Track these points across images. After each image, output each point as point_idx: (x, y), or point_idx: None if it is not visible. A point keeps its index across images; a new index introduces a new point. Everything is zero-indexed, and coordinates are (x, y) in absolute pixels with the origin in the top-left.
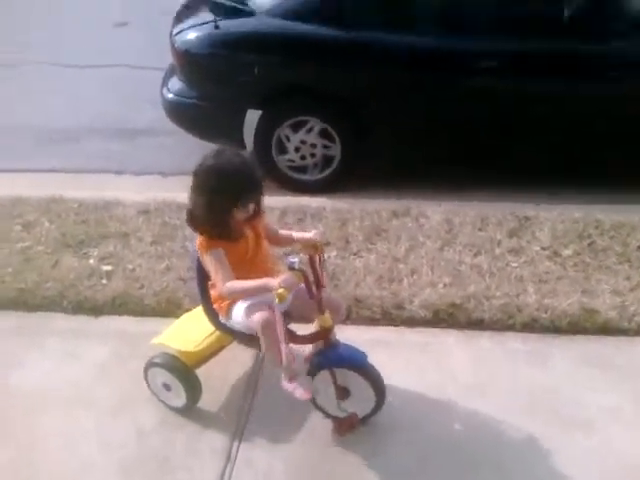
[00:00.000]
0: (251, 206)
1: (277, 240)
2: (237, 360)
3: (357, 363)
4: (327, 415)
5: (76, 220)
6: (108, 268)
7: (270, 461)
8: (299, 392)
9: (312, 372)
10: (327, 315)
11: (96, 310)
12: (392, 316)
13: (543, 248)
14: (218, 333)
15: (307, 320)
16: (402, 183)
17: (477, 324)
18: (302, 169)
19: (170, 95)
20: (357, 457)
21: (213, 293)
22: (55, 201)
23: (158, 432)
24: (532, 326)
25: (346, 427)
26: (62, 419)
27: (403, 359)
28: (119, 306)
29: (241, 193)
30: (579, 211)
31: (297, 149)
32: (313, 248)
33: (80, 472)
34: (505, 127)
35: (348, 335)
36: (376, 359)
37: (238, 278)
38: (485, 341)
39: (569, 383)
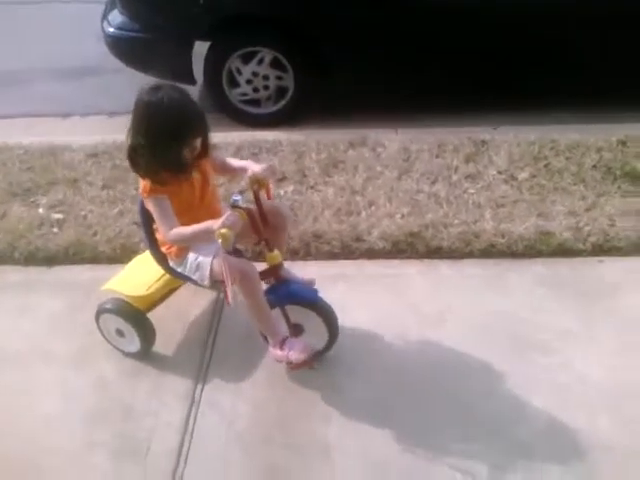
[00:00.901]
0: (197, 142)
1: (223, 170)
2: (195, 302)
3: (308, 299)
4: None
5: (22, 167)
6: (59, 216)
7: (234, 402)
8: (294, 355)
9: None
10: (276, 252)
11: (49, 260)
12: (351, 249)
13: (499, 172)
14: (168, 276)
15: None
16: (358, 113)
17: (436, 252)
18: (255, 102)
19: (111, 29)
20: (317, 393)
21: (159, 237)
22: (0, 149)
23: (120, 380)
24: (490, 252)
25: (300, 364)
26: (21, 374)
27: (364, 292)
28: (73, 255)
29: (184, 129)
30: (535, 132)
31: (249, 81)
32: (257, 183)
33: (44, 426)
34: (459, 49)
35: (309, 271)
36: (337, 293)
37: (187, 223)
38: (444, 269)
39: (526, 306)
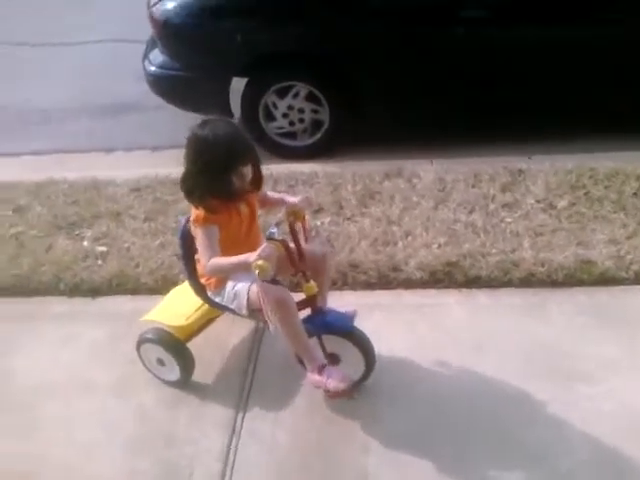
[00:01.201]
0: (245, 170)
1: (263, 203)
2: (234, 332)
3: (343, 328)
4: None
5: (67, 201)
6: (103, 249)
7: (274, 431)
8: (332, 383)
9: None
10: (312, 283)
11: (93, 291)
12: (388, 279)
13: (537, 201)
14: (207, 306)
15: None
16: (393, 144)
17: (474, 282)
18: (292, 135)
19: (152, 68)
20: (356, 423)
21: (199, 268)
22: (45, 183)
23: (160, 409)
24: (529, 281)
25: (339, 393)
26: (63, 403)
27: (401, 321)
28: (116, 286)
29: (230, 158)
30: (572, 161)
31: (285, 115)
32: (293, 215)
33: (85, 455)
34: (495, 80)
35: (346, 301)
36: (374, 323)
37: (230, 256)
38: (483, 298)
39: (567, 336)
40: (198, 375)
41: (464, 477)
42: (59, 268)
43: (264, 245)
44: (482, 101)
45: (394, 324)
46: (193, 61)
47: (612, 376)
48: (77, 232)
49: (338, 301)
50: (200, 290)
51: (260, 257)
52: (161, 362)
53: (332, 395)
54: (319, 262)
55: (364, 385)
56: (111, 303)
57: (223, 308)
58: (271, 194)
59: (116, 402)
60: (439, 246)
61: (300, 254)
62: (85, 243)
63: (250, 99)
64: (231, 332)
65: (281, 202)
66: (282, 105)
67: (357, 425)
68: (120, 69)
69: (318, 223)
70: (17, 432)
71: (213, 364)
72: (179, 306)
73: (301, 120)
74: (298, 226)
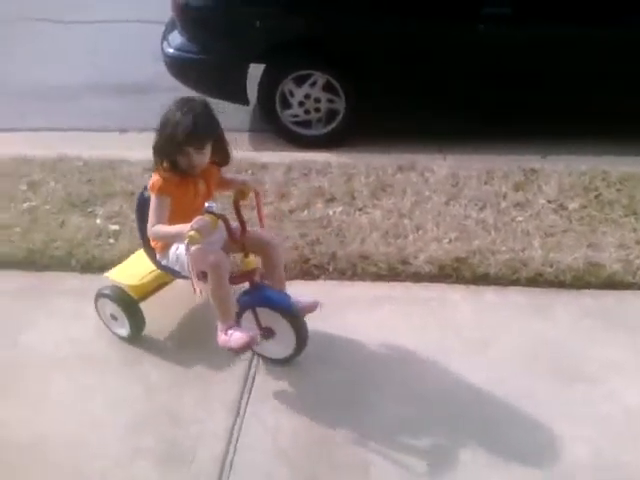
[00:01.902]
0: (192, 151)
1: (220, 184)
2: None
3: (278, 304)
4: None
5: (81, 179)
6: (115, 227)
7: (278, 415)
8: (233, 342)
9: (239, 312)
10: (251, 258)
11: (104, 269)
12: (398, 271)
13: (549, 201)
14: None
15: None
16: (407, 137)
17: (482, 279)
18: (306, 124)
19: (171, 50)
20: (361, 411)
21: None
22: (60, 160)
23: (166, 388)
24: (537, 281)
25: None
26: (72, 377)
27: (408, 314)
28: None
29: (175, 138)
30: (586, 163)
31: (301, 104)
32: (241, 192)
33: (91, 430)
34: (512, 77)
35: (355, 291)
36: (382, 315)
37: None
38: (490, 296)
39: (572, 337)
40: (205, 356)
41: (460, 471)
42: (71, 245)
43: (198, 217)
44: (499, 98)
45: (402, 317)
46: (212, 45)
47: (615, 378)
48: (90, 210)
49: (348, 291)
50: (151, 254)
51: (192, 228)
52: (114, 317)
53: (234, 350)
54: (267, 247)
55: (368, 373)
56: None
57: (171, 272)
58: (230, 176)
59: (123, 379)
60: (449, 241)
61: (242, 229)
62: (98, 221)
63: (267, 86)
64: None
65: (234, 182)
66: (299, 93)
67: (360, 412)
68: (138, 49)
69: (330, 213)
70: (26, 403)
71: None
72: (137, 267)
73: (317, 109)
74: (247, 203)
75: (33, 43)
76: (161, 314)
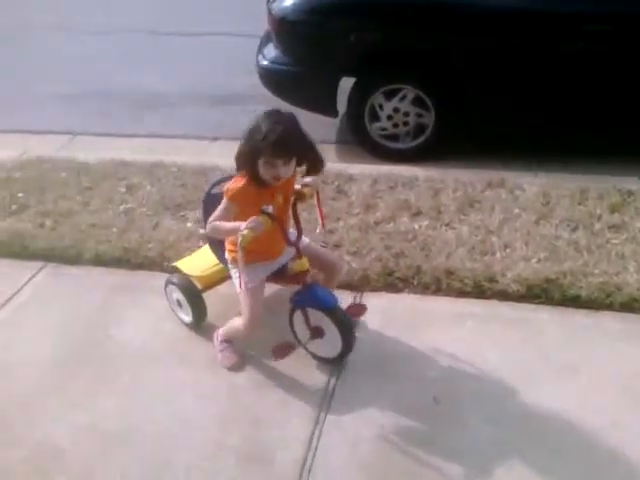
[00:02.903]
0: (275, 164)
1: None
2: None
3: (323, 304)
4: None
5: (175, 184)
6: (204, 231)
7: (358, 424)
8: (220, 358)
9: (290, 312)
10: (304, 260)
11: None
12: (483, 289)
13: None
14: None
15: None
16: (497, 153)
17: (572, 301)
18: (394, 137)
19: (265, 62)
20: (441, 427)
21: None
22: (156, 165)
23: (251, 389)
24: (632, 306)
25: (282, 353)
26: (161, 372)
27: (492, 333)
28: None
29: (257, 148)
30: None
31: (390, 117)
32: (301, 194)
33: (179, 423)
34: (611, 95)
35: (438, 306)
36: (466, 332)
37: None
38: (580, 319)
39: None
40: (289, 362)
41: None
42: (164, 246)
43: (253, 217)
44: (594, 117)
45: (486, 335)
46: (305, 58)
47: None
48: (182, 213)
49: (431, 306)
50: (216, 249)
51: (247, 227)
52: (179, 303)
53: (277, 355)
54: (332, 268)
55: (455, 391)
56: None
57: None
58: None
59: (211, 377)
60: (538, 261)
61: (298, 230)
62: (189, 224)
63: (357, 99)
64: None
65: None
66: (388, 107)
67: (442, 429)
68: (233, 62)
69: (416, 227)
70: (117, 394)
71: (303, 352)
72: (202, 260)
73: (405, 123)
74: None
75: (144, 54)
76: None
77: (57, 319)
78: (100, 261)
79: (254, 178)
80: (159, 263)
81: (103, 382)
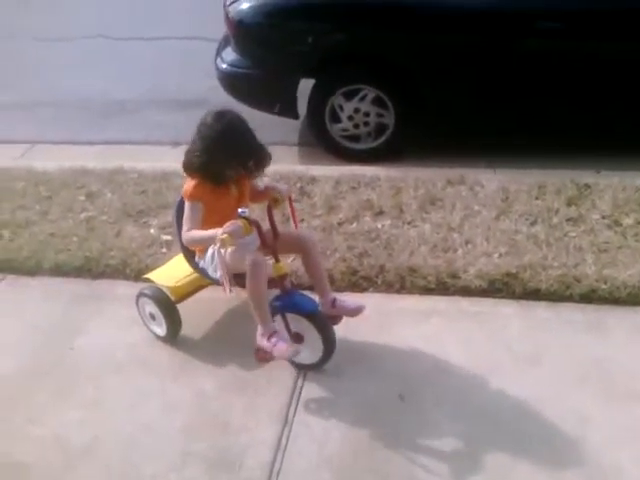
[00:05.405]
0: (241, 166)
1: (255, 196)
2: None
3: (305, 310)
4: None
5: (136, 190)
6: (168, 237)
7: (326, 425)
8: (277, 351)
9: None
10: (282, 263)
11: None
12: (447, 285)
13: (603, 217)
14: (196, 274)
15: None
16: (456, 151)
17: (533, 294)
18: (355, 138)
19: (224, 65)
20: (407, 424)
21: None
22: (117, 172)
23: (218, 396)
24: (590, 297)
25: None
26: (125, 382)
27: (457, 329)
28: None
29: (240, 155)
30: None
31: (350, 118)
32: (274, 200)
33: (144, 432)
34: (564, 92)
35: (402, 304)
36: (431, 329)
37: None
38: (541, 311)
39: (627, 355)
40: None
41: None
42: (126, 254)
43: (230, 222)
44: (551, 112)
45: (451, 331)
46: (264, 60)
47: None
48: (144, 220)
49: (396, 304)
50: (189, 257)
51: (225, 232)
52: (152, 316)
53: (265, 358)
54: (304, 243)
55: (421, 388)
56: None
57: (207, 275)
58: (260, 185)
59: (176, 385)
60: (499, 256)
61: (275, 234)
62: (152, 231)
63: (317, 100)
64: None
65: (267, 192)
66: (348, 107)
67: (407, 426)
68: (191, 66)
69: (378, 226)
70: (81, 406)
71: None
72: (175, 270)
73: (366, 123)
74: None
75: (97, 59)
76: (212, 322)
77: (17, 332)
78: (60, 271)
79: (215, 177)
80: (122, 271)
81: (66, 394)
